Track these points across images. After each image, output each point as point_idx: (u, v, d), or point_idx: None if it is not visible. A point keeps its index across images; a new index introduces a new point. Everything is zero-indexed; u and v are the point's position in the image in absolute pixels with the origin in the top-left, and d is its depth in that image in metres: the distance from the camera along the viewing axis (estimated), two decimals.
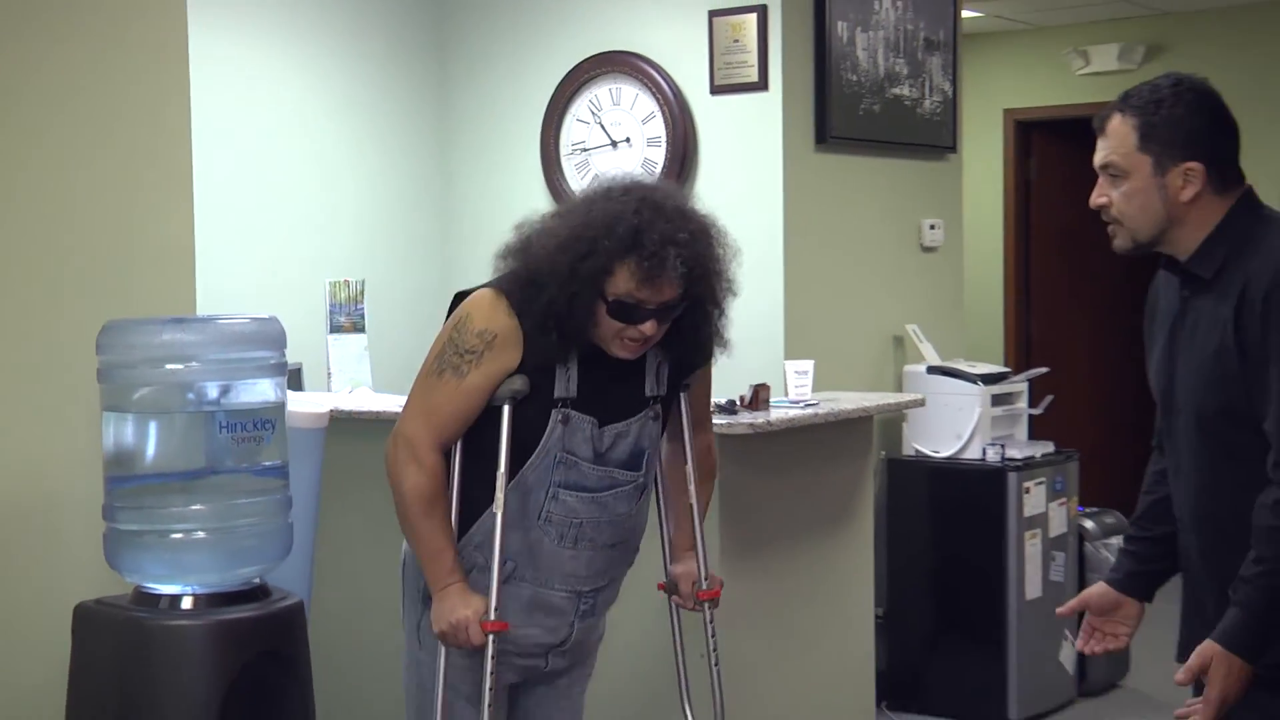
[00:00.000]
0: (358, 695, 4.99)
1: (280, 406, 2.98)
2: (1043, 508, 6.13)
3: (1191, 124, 3.03)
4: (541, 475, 3.04)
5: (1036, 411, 6.40)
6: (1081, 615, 3.39)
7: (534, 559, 3.08)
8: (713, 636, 3.31)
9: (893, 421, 6.22)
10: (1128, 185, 3.04)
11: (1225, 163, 3.05)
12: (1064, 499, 6.26)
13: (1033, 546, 6.06)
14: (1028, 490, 6.05)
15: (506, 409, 3.02)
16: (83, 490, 3.01)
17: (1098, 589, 3.36)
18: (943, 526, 6.15)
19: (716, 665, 3.30)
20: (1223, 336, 2.97)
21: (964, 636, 6.13)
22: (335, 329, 5.70)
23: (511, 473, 3.02)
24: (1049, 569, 6.14)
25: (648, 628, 4.43)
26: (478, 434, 3.09)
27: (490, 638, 2.99)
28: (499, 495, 3.00)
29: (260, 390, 2.93)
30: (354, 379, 5.64)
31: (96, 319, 2.96)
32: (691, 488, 3.30)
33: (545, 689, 3.29)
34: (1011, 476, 6.00)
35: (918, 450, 6.22)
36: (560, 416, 3.03)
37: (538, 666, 3.21)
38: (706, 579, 3.30)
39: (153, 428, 2.88)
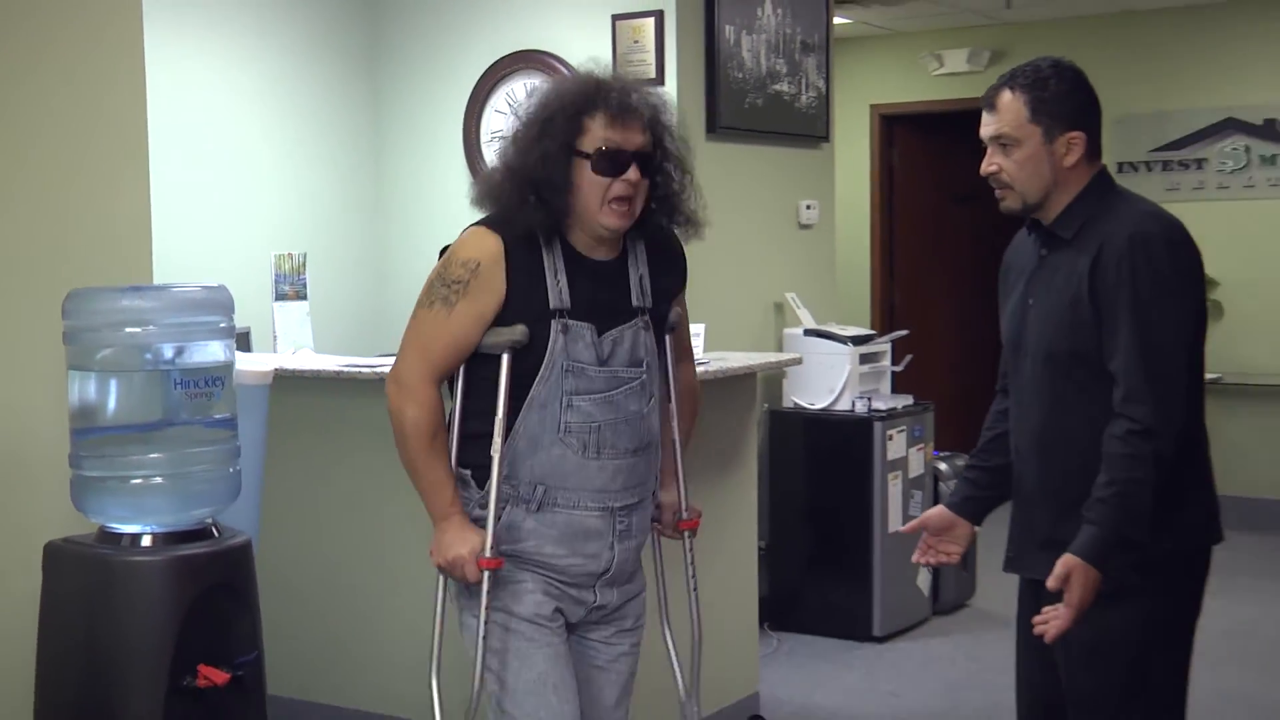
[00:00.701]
0: (301, 624, 4.95)
1: (229, 366, 2.94)
2: (903, 452, 6.20)
3: (1074, 99, 3.10)
4: (553, 388, 2.84)
5: (898, 369, 6.50)
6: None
7: (563, 477, 2.87)
8: (691, 564, 3.20)
9: (774, 378, 6.25)
10: (1020, 153, 3.07)
11: (1097, 133, 3.11)
12: (921, 445, 6.35)
13: (894, 486, 6.13)
14: (890, 437, 6.12)
15: (506, 358, 2.83)
16: (51, 441, 2.97)
17: (936, 511, 3.42)
18: (817, 469, 6.21)
19: (695, 590, 3.19)
20: (1078, 288, 3.02)
21: (835, 565, 6.20)
22: (280, 296, 5.64)
23: (521, 398, 2.84)
24: (908, 505, 6.21)
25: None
26: (478, 376, 2.92)
27: (485, 574, 2.83)
28: (496, 440, 2.84)
29: (211, 351, 2.89)
30: (296, 341, 5.58)
31: (62, 287, 2.91)
32: (674, 423, 3.17)
33: (595, 637, 3.06)
34: (876, 425, 6.08)
35: (796, 403, 6.26)
36: (560, 326, 2.83)
37: (588, 600, 2.99)
38: (686, 510, 3.19)
39: (114, 384, 2.83)
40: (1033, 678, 3.33)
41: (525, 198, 2.80)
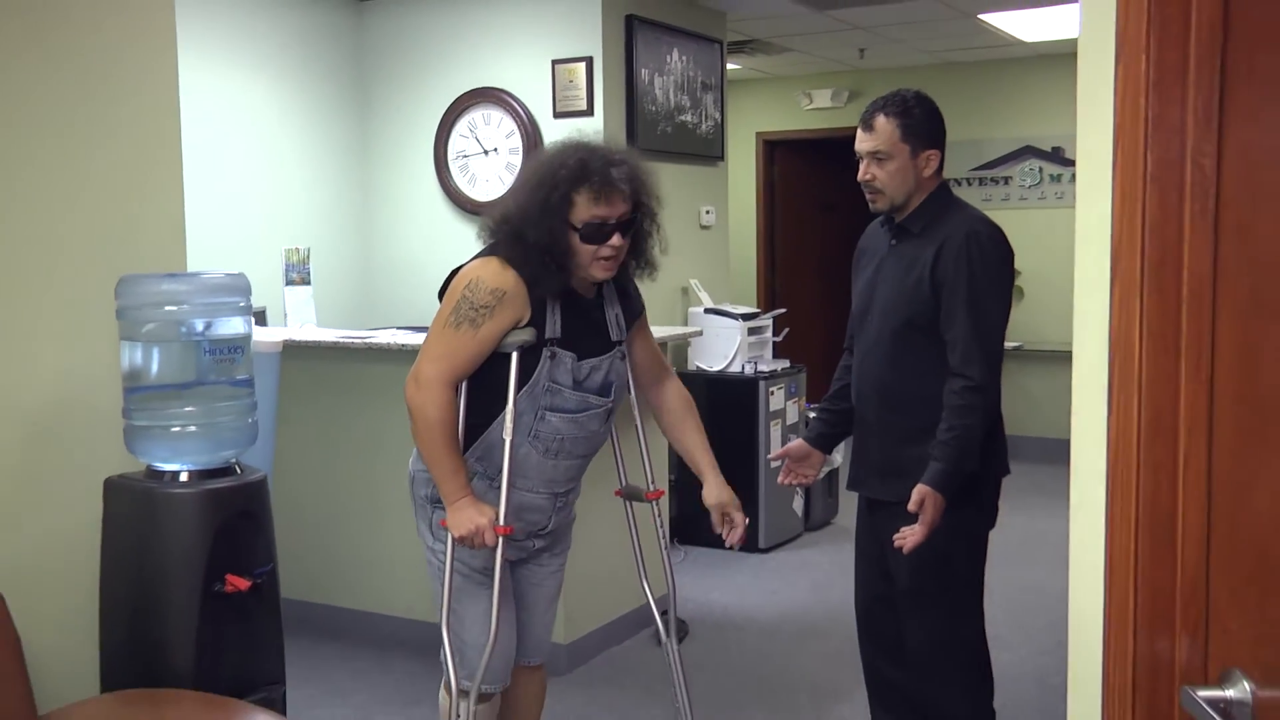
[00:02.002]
0: (306, 542, 4.93)
1: (248, 337, 2.91)
2: (782, 405, 6.25)
3: (932, 123, 3.14)
4: (532, 401, 2.78)
5: (778, 339, 6.53)
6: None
7: (524, 470, 2.83)
8: (662, 526, 3.17)
9: (680, 347, 6.26)
10: (891, 165, 3.10)
11: (945, 151, 3.15)
12: (796, 398, 6.39)
13: (775, 431, 6.17)
14: (772, 393, 6.17)
15: (515, 355, 2.75)
16: (107, 397, 2.93)
17: (796, 443, 3.48)
18: (715, 418, 6.18)
19: (666, 548, 3.17)
20: (922, 272, 3.06)
21: None
22: (289, 282, 5.59)
23: (504, 404, 2.77)
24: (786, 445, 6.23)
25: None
26: (482, 373, 2.81)
27: (500, 538, 2.79)
28: (508, 423, 2.76)
29: (233, 325, 2.86)
30: (303, 318, 5.54)
31: (114, 274, 2.88)
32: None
33: (534, 563, 3.07)
34: (761, 383, 6.12)
35: (698, 366, 6.27)
36: (549, 353, 2.76)
37: (529, 547, 2.99)
38: (653, 484, 3.13)
39: (156, 352, 2.80)
40: (868, 577, 3.38)
41: (546, 265, 2.72)
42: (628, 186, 2.74)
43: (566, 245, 2.72)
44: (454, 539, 2.80)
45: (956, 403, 2.97)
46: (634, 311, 3.01)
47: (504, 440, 2.78)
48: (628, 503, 3.18)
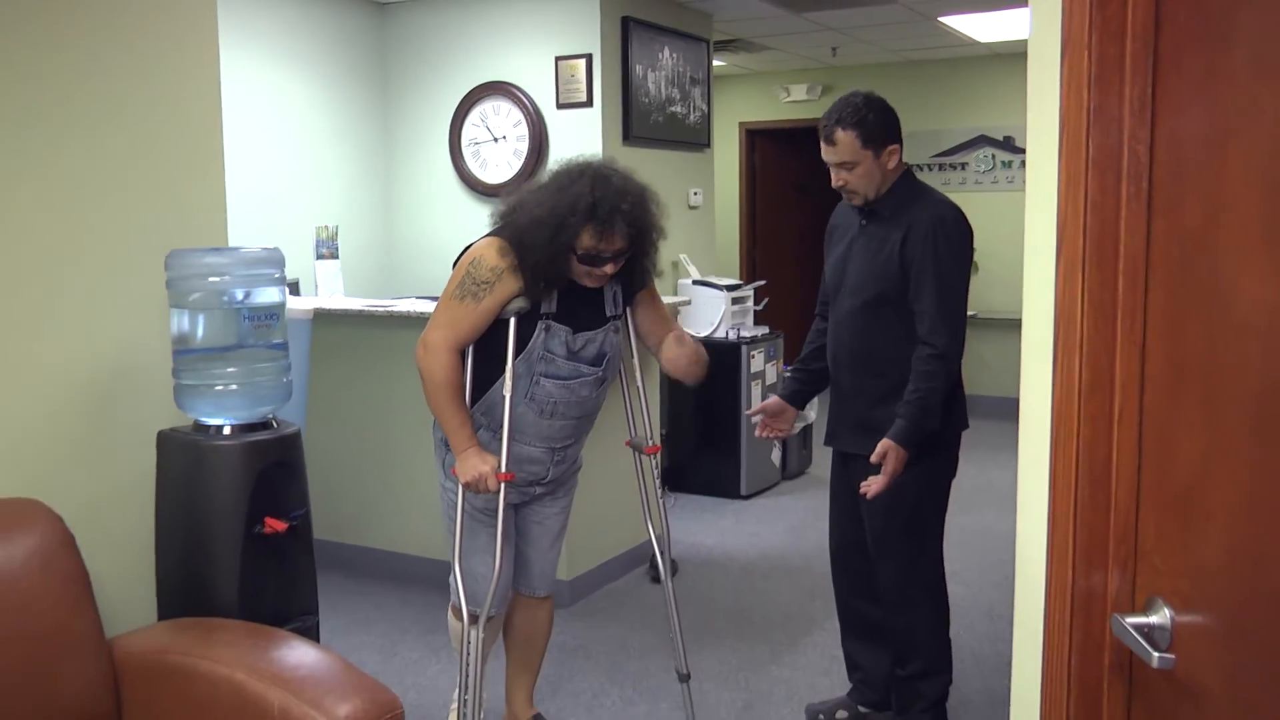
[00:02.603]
0: (335, 488, 4.94)
1: (283, 305, 2.90)
2: (762, 367, 6.24)
3: (886, 121, 3.08)
4: (529, 367, 2.83)
5: (758, 308, 6.52)
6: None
7: (522, 426, 2.88)
8: (658, 477, 3.18)
9: (671, 314, 6.24)
10: (859, 170, 3.06)
11: (903, 142, 3.11)
12: (775, 361, 6.39)
13: (756, 390, 6.17)
14: (753, 356, 6.16)
15: (513, 321, 2.81)
16: (159, 359, 2.93)
17: (772, 400, 3.47)
18: (703, 381, 6.21)
19: (662, 498, 3.20)
20: (891, 251, 3.05)
21: (714, 445, 6.24)
22: (320, 256, 5.58)
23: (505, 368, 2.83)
24: None
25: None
26: (486, 340, 2.86)
27: (502, 484, 2.85)
28: (508, 380, 2.81)
29: (270, 294, 2.84)
30: (331, 289, 5.53)
31: (163, 249, 2.88)
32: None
33: (537, 504, 3.11)
34: (743, 348, 6.11)
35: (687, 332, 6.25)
36: (544, 326, 2.82)
37: (530, 492, 3.04)
38: (651, 439, 3.14)
39: (201, 319, 2.78)
40: (841, 523, 3.39)
41: (538, 277, 2.76)
42: (629, 229, 2.75)
43: (564, 265, 2.77)
44: (461, 484, 2.84)
45: (922, 368, 2.98)
46: (636, 287, 3.01)
47: (504, 398, 2.83)
48: (636, 454, 3.19)
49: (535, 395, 2.86)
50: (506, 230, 2.82)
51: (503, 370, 2.83)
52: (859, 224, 3.17)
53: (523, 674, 3.32)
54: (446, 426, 2.83)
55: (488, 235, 2.87)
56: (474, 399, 2.90)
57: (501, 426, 2.85)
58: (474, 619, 2.95)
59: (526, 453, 2.94)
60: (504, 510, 2.90)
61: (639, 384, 3.12)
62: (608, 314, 2.92)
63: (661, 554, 3.19)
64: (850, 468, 3.27)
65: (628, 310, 3.03)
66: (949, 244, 2.99)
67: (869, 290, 3.10)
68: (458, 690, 3.06)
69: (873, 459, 2.99)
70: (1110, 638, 1.48)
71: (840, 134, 3.04)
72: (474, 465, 2.80)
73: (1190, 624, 1.33)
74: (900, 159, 3.10)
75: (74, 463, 2.79)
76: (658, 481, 3.19)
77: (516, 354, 2.83)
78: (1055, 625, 1.54)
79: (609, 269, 2.79)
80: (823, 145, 3.08)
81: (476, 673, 2.92)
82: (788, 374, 3.46)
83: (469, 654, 2.92)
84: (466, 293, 2.79)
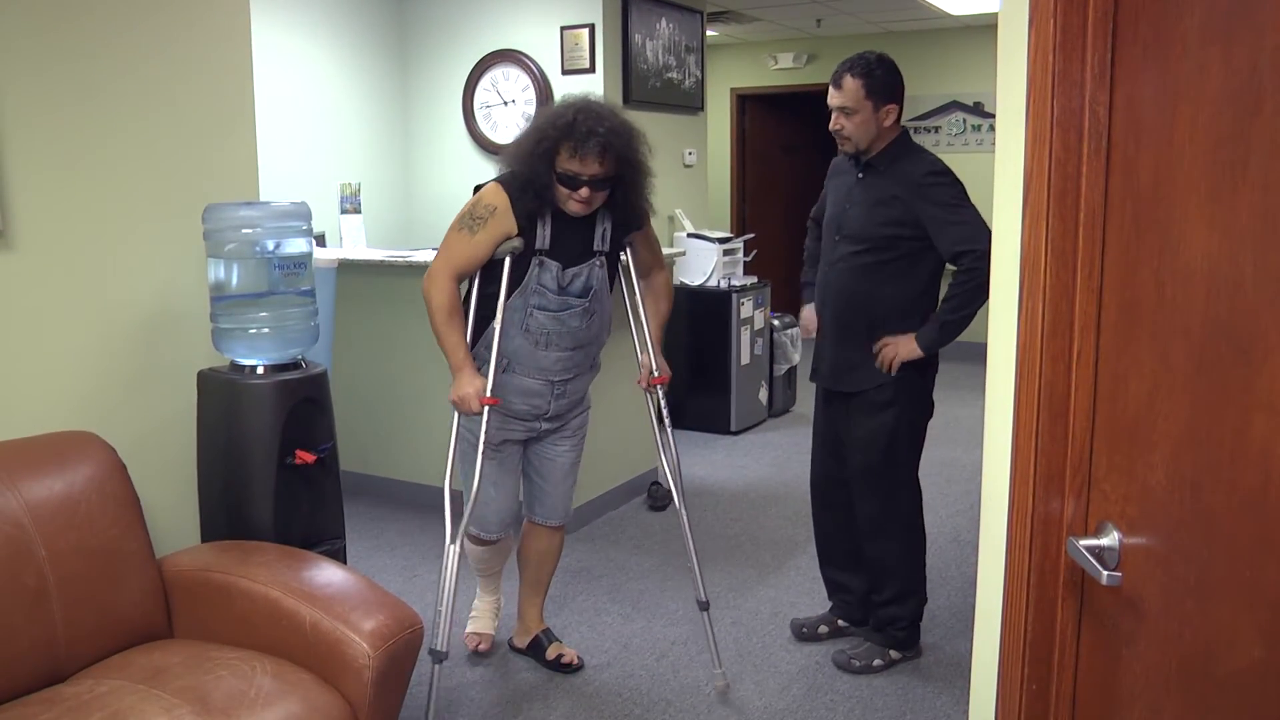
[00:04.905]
0: (360, 423, 4.95)
1: (310, 255, 2.89)
2: (751, 314, 6.24)
3: (892, 81, 3.07)
4: (523, 300, 2.86)
5: (748, 259, 6.50)
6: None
7: (519, 357, 2.91)
8: (665, 408, 3.15)
9: (667, 265, 6.22)
10: (857, 118, 3.04)
11: (903, 105, 3.09)
12: (763, 309, 6.38)
13: (745, 335, 6.18)
14: (742, 304, 6.15)
15: (507, 260, 2.84)
16: (198, 305, 2.94)
17: (807, 312, 3.40)
18: (695, 325, 6.24)
19: (670, 430, 3.15)
20: (889, 203, 3.04)
21: (707, 384, 6.25)
22: (344, 211, 5.55)
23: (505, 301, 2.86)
24: (754, 347, 6.26)
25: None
26: (487, 280, 2.90)
27: (485, 409, 2.85)
28: (499, 315, 2.85)
29: (298, 245, 2.83)
30: (355, 240, 5.50)
31: (201, 202, 2.87)
32: (641, 311, 3.11)
33: (547, 441, 3.12)
34: (733, 296, 6.10)
35: (682, 282, 6.24)
36: (538, 261, 2.84)
37: (536, 428, 3.05)
38: (657, 369, 3.14)
39: (236, 267, 2.77)
40: (822, 458, 3.40)
41: (526, 191, 2.79)
42: (601, 152, 2.72)
43: (547, 182, 2.78)
44: (450, 401, 2.87)
45: (968, 283, 2.90)
46: (632, 228, 3.01)
47: (495, 329, 2.87)
48: (646, 394, 3.20)
49: (530, 326, 2.89)
50: (504, 174, 2.86)
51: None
52: (856, 175, 3.16)
53: (534, 593, 3.37)
54: (443, 346, 2.86)
55: (492, 180, 2.92)
56: (474, 337, 2.93)
57: (500, 362, 2.89)
58: (472, 538, 3.06)
59: (526, 384, 2.96)
60: (500, 441, 2.95)
61: (643, 319, 3.13)
62: (594, 248, 2.92)
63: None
64: (832, 405, 3.28)
65: (628, 250, 3.04)
66: (949, 186, 2.99)
67: (859, 241, 3.09)
68: (472, 600, 3.09)
69: (880, 350, 3.06)
70: (1065, 558, 1.50)
71: (848, 80, 3.03)
72: (462, 385, 2.83)
73: (1136, 545, 1.35)
74: (897, 120, 3.08)
75: (124, 399, 2.81)
76: (665, 413, 3.16)
77: (510, 290, 2.86)
78: (1016, 547, 1.56)
79: (585, 193, 2.76)
80: (830, 89, 3.08)
81: (450, 588, 2.85)
82: (806, 281, 3.43)
83: (446, 568, 2.87)
84: (464, 226, 2.84)
